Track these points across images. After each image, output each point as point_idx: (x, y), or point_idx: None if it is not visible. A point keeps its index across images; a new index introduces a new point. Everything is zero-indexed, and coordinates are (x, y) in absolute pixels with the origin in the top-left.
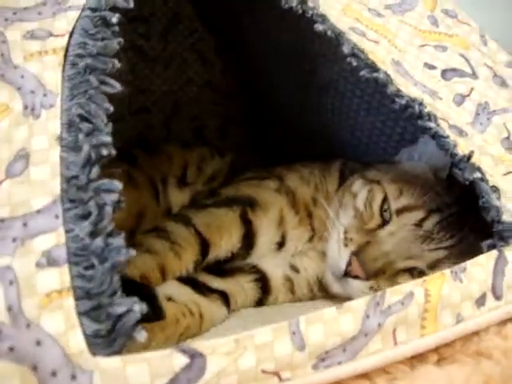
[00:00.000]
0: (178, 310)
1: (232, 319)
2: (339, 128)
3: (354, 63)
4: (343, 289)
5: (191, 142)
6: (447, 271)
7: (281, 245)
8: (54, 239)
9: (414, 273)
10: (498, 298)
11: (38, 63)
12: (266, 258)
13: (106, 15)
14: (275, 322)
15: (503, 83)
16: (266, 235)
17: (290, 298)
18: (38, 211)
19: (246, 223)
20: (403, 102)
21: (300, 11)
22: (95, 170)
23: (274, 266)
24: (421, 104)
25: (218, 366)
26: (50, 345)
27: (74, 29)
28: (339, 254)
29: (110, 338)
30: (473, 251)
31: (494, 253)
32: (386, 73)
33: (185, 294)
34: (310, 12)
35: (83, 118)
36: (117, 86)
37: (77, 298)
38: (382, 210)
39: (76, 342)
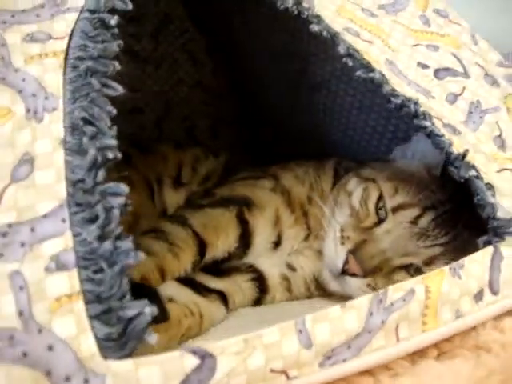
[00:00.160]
0: (180, 310)
1: (231, 319)
2: (331, 127)
3: (350, 63)
4: (340, 286)
5: (183, 142)
6: (446, 268)
7: (277, 244)
8: (61, 243)
9: (411, 270)
10: (494, 293)
11: (39, 66)
12: (262, 257)
13: (105, 17)
14: (274, 320)
15: (494, 82)
16: (262, 235)
17: (288, 297)
18: (45, 216)
19: (242, 223)
20: (399, 101)
21: (296, 12)
22: (101, 174)
23: (271, 265)
24: (416, 103)
25: (227, 366)
26: (62, 349)
27: (73, 31)
28: (336, 253)
29: (121, 341)
30: (467, 248)
31: (490, 249)
32: (381, 73)
33: (184, 294)
34: (306, 13)
35: (87, 121)
36: (119, 89)
37: (87, 302)
38: (377, 208)
39: (88, 345)
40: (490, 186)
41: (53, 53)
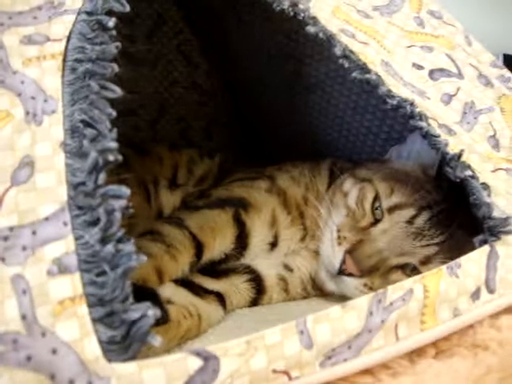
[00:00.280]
0: (179, 312)
1: (228, 320)
2: (326, 127)
3: (346, 65)
4: (337, 286)
5: (177, 143)
6: (444, 267)
7: (274, 245)
8: (63, 247)
9: (407, 269)
10: (491, 291)
11: (37, 68)
12: (259, 258)
13: (103, 19)
14: (271, 321)
15: (488, 83)
16: (259, 236)
17: (285, 297)
18: (46, 219)
19: (239, 224)
20: (395, 102)
21: (292, 14)
22: (102, 176)
23: (268, 266)
24: (412, 104)
25: (231, 367)
26: (66, 353)
27: (70, 33)
28: (333, 253)
29: (124, 344)
30: (461, 247)
31: (486, 248)
32: (377, 74)
33: (183, 296)
34: (302, 14)
35: (87, 124)
36: (118, 91)
37: (90, 305)
38: (373, 208)
39: (91, 349)
40: (485, 186)
41: (51, 55)
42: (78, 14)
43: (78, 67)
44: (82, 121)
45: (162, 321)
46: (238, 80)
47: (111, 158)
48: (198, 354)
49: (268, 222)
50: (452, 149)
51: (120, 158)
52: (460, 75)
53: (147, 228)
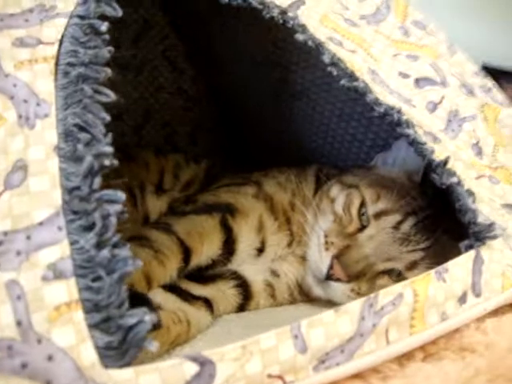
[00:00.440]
0: (168, 317)
1: (216, 326)
2: (311, 134)
3: (335, 72)
4: (325, 292)
5: (162, 148)
6: (432, 272)
7: (261, 250)
8: (58, 252)
9: (393, 274)
10: (477, 295)
11: (29, 72)
12: (246, 263)
13: (95, 23)
14: (259, 326)
15: (471, 92)
16: (246, 241)
17: (271, 303)
18: (41, 223)
19: (226, 230)
20: (382, 109)
21: (281, 21)
22: (97, 181)
23: (255, 272)
24: (399, 112)
25: (226, 372)
26: (62, 359)
27: (62, 37)
28: (321, 258)
29: (121, 350)
30: (446, 252)
31: (472, 253)
32: (364, 82)
33: (171, 301)
34: (291, 22)
35: (80, 128)
36: (111, 96)
37: (86, 311)
38: (360, 214)
39: (88, 355)
40: (470, 193)
41: (43, 58)
42: (70, 17)
43: (70, 71)
44: (76, 125)
45: (155, 327)
46: (223, 86)
47: (107, 162)
48: (194, 359)
49: (255, 228)
50: (438, 156)
51: (116, 162)
52: (444, 84)
53: (134, 233)
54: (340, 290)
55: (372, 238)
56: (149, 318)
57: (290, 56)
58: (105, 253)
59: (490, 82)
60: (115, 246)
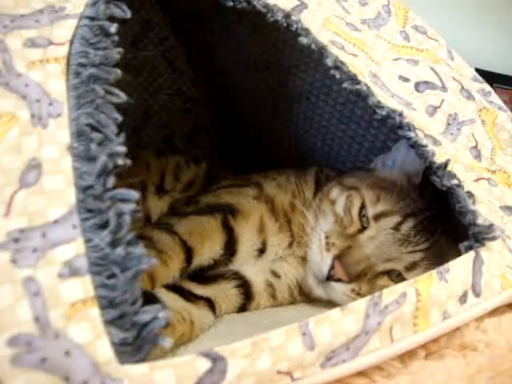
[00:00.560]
0: (173, 317)
1: (218, 325)
2: (310, 136)
3: (337, 75)
4: (325, 292)
5: (161, 149)
6: (434, 272)
7: (261, 251)
8: (73, 249)
9: (392, 275)
10: (477, 295)
11: (41, 72)
12: (247, 264)
13: (104, 25)
14: (261, 326)
15: (469, 96)
16: (247, 242)
17: (272, 303)
18: (56, 221)
19: (227, 230)
20: (384, 112)
21: (285, 25)
22: (111, 180)
23: (256, 272)
24: (401, 115)
25: (238, 368)
26: (79, 355)
27: (73, 37)
28: (322, 259)
29: (136, 346)
30: (444, 253)
31: (472, 254)
32: (366, 85)
33: (175, 301)
34: (295, 26)
35: (93, 128)
36: (122, 96)
37: (101, 308)
38: (360, 216)
39: (104, 351)
40: (470, 194)
41: (54, 59)
42: (80, 18)
43: (82, 71)
44: (89, 125)
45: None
46: (222, 87)
47: (120, 162)
48: (206, 355)
49: (256, 229)
50: (438, 158)
51: (129, 162)
52: (444, 88)
53: (136, 233)
54: (341, 290)
55: (372, 238)
56: (163, 314)
57: (290, 59)
58: (119, 250)
59: (487, 87)
60: (129, 243)
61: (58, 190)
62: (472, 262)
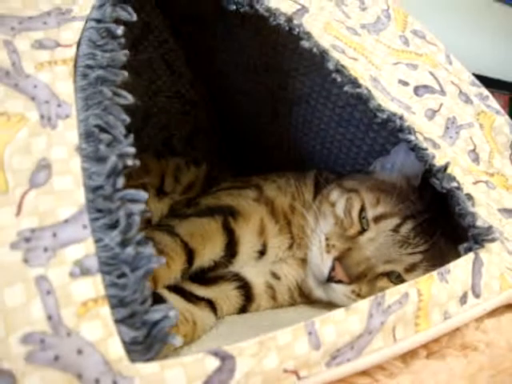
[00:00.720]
0: None
1: (220, 326)
2: (309, 139)
3: (339, 79)
4: (326, 293)
5: (160, 151)
6: (435, 273)
7: (262, 253)
8: (84, 249)
9: (392, 276)
10: (477, 296)
11: (49, 73)
12: (247, 266)
13: (111, 27)
14: (262, 327)
15: (468, 100)
16: (247, 244)
17: (272, 305)
18: (66, 221)
19: (228, 232)
20: (385, 116)
21: (287, 28)
22: (120, 180)
23: (256, 274)
24: (401, 118)
25: (246, 366)
26: (91, 353)
27: (80, 39)
28: (322, 260)
29: (146, 345)
30: (444, 255)
31: (471, 255)
32: (367, 88)
33: (177, 302)
34: (297, 29)
35: (102, 129)
36: (129, 98)
37: (112, 307)
38: (361, 218)
39: (115, 349)
40: (469, 197)
41: (62, 60)
42: (87, 21)
43: (89, 73)
44: (97, 126)
45: None
46: (221, 90)
47: (130, 162)
48: (215, 354)
49: (256, 231)
50: (438, 161)
51: (138, 163)
52: (442, 92)
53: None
54: (341, 291)
55: (372, 240)
56: (173, 313)
57: (290, 62)
58: (129, 250)
59: (485, 91)
60: (139, 243)
61: (68, 191)
62: (472, 263)
